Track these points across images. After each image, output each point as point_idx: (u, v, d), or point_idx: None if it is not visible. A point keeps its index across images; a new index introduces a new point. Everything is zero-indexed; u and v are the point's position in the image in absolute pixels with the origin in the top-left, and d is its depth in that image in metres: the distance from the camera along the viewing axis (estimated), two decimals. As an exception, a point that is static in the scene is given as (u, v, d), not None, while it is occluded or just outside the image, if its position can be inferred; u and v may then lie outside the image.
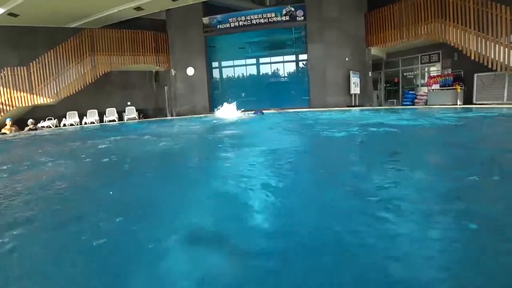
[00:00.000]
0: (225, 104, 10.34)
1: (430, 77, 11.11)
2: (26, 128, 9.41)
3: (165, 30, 12.84)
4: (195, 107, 13.17)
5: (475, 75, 9.77)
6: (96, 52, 11.42)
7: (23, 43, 10.93)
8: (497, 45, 8.77)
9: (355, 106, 11.91)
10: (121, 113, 12.71)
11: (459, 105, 9.92)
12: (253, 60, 13.52)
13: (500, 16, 8.59)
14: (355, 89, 11.94)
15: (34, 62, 10.50)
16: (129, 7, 10.85)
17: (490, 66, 8.99)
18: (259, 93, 13.29)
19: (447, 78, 10.47)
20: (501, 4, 8.54)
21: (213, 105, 13.37)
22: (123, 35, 11.93)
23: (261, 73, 13.58)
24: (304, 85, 12.57)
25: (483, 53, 9.06)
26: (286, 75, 13.42)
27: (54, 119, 11.23)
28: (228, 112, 9.86)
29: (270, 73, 13.56)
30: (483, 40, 9.01)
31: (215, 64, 13.57)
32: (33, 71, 10.50)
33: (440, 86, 10.55)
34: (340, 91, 12.01)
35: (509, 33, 8.57)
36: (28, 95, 10.46)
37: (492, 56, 8.89)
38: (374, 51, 12.14)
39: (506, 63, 8.65)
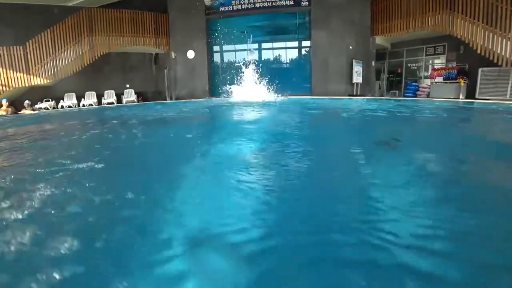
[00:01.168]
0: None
1: (433, 70, 11.00)
2: (23, 110, 9.27)
3: (165, 11, 12.45)
4: (194, 91, 13.00)
5: (480, 69, 9.68)
6: (94, 33, 11.09)
7: (18, 22, 10.57)
8: (504, 40, 8.64)
9: (356, 95, 11.81)
10: (120, 96, 12.53)
11: (461, 99, 9.88)
12: (255, 45, 13.23)
13: (510, 10, 8.40)
14: (357, 78, 11.80)
15: (30, 41, 10.20)
16: (129, -14, 10.49)
17: (495, 61, 8.89)
18: (261, 78, 13.09)
19: (451, 71, 10.37)
20: (512, -2, 8.34)
21: (212, 90, 13.20)
22: (122, 16, 11.56)
23: (262, 59, 13.33)
24: (306, 72, 12.39)
25: (490, 47, 8.93)
26: (288, 61, 13.19)
27: (52, 101, 11.05)
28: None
29: (272, 58, 13.33)
30: (491, 34, 8.86)
31: (216, 48, 13.28)
32: (30, 51, 10.22)
33: (444, 79, 10.46)
34: (342, 80, 11.87)
35: (517, 28, 8.43)
36: (25, 75, 10.23)
37: (499, 51, 8.77)
38: (379, 40, 11.91)
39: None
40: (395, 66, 13.05)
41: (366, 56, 11.91)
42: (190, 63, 12.83)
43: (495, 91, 9.48)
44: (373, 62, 12.21)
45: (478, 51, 9.16)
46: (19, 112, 8.93)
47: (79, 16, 10.84)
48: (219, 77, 13.45)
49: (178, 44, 12.69)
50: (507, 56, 8.62)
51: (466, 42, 9.44)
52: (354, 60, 11.61)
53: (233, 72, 13.24)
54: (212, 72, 13.28)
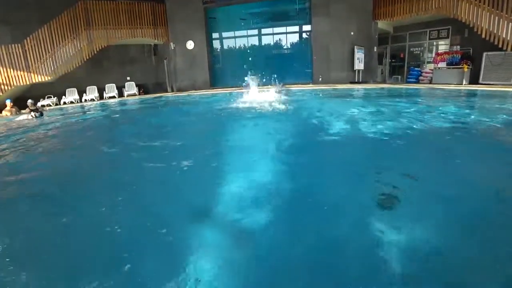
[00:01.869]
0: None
1: (437, 54, 10.79)
2: (27, 110, 9.32)
3: (163, 1, 12.19)
4: (195, 82, 12.95)
5: (484, 53, 9.49)
6: (92, 26, 10.96)
7: (15, 19, 10.44)
8: (510, 24, 8.42)
9: (358, 82, 11.70)
10: (121, 89, 12.52)
11: (465, 85, 9.75)
12: (255, 32, 13.01)
13: (517, -7, 8.14)
14: (359, 65, 11.64)
15: (28, 38, 10.11)
16: (124, -23, 10.24)
17: (500, 45, 8.71)
18: (261, 66, 12.95)
19: (454, 56, 10.18)
20: (519, -20, 8.06)
21: (213, 80, 13.10)
22: (119, 7, 11.36)
23: (263, 45, 13.14)
24: (307, 58, 12.23)
25: (495, 31, 8.72)
26: (289, 47, 13.01)
27: (54, 97, 11.09)
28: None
29: (272, 44, 13.14)
30: (497, 17, 8.63)
31: (215, 35, 13.08)
32: (28, 48, 10.16)
33: (447, 64, 10.29)
34: (344, 67, 11.73)
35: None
36: (25, 73, 10.23)
37: (504, 35, 8.57)
38: (381, 24, 11.64)
39: (517, 42, 8.37)
40: (397, 51, 12.80)
41: (368, 41, 11.68)
42: (189, 53, 12.69)
43: (499, 76, 9.33)
44: (375, 48, 11.99)
45: (483, 36, 8.96)
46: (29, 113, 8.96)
47: (75, 10, 10.69)
48: (219, 67, 13.35)
49: (177, 35, 12.51)
50: (512, 40, 8.44)
51: (471, 26, 9.23)
52: (355, 47, 11.41)
53: (232, 62, 13.14)
54: (213, 62, 13.14)
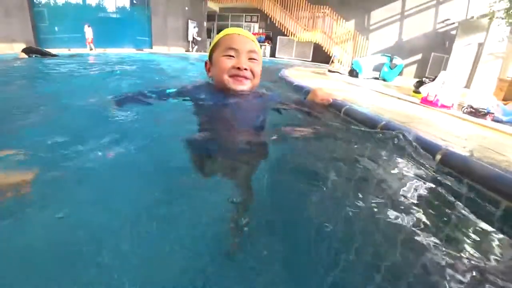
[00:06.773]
0: None
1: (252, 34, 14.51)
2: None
3: None
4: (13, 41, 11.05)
5: (278, 37, 13.85)
6: None
7: None
8: (290, 19, 12.85)
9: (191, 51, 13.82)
10: None
11: (268, 57, 13.92)
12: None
13: (294, -1, 12.48)
14: (191, 36, 13.67)
15: None
16: None
17: (286, 33, 13.13)
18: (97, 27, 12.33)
19: (261, 36, 14.13)
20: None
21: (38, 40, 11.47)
22: None
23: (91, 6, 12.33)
24: (144, 26, 12.74)
25: (284, 23, 13.01)
26: (120, 11, 12.73)
27: None
28: None
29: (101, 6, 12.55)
30: (284, 14, 12.88)
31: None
32: None
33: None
34: (179, 37, 13.35)
35: (300, 11, 12.70)
36: None
37: (288, 27, 12.98)
38: (210, 4, 14.04)
39: (294, 32, 12.94)
40: (223, 27, 15.63)
41: (199, 17, 13.81)
42: None
43: (286, 52, 14.01)
44: (205, 23, 14.34)
45: (277, 25, 13.11)
46: None
47: None
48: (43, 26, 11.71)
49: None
50: (292, 30, 12.97)
51: (270, 16, 13.17)
52: (189, 20, 13.29)
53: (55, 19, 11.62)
54: (36, 18, 11.37)
